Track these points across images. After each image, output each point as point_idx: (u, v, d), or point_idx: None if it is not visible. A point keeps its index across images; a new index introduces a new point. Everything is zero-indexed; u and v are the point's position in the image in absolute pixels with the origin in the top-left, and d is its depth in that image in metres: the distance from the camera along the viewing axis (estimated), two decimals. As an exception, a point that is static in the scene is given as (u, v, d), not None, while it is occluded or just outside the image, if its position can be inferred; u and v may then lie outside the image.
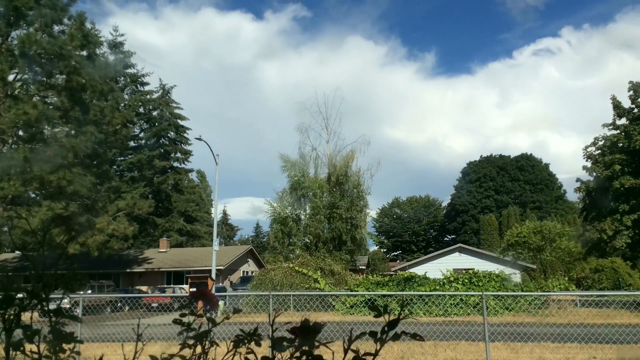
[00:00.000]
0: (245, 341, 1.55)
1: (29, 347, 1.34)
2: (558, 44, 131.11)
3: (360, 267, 42.01)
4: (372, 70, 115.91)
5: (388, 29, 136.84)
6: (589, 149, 32.41)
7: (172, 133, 59.00)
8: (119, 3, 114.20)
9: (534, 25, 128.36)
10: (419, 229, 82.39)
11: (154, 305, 26.85)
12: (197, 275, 30.31)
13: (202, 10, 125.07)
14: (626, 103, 31.15)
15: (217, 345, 1.62)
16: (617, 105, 31.25)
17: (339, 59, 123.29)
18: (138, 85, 57.11)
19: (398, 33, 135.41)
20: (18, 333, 1.32)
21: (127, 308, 25.99)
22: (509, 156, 79.16)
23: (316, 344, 1.35)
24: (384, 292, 21.23)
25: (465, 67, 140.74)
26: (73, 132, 29.50)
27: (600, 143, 31.99)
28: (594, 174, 31.99)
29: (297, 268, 28.64)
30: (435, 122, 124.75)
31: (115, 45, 43.94)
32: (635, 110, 30.69)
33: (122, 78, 53.10)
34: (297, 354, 1.34)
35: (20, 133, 28.09)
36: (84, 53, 30.97)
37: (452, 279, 24.80)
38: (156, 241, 50.35)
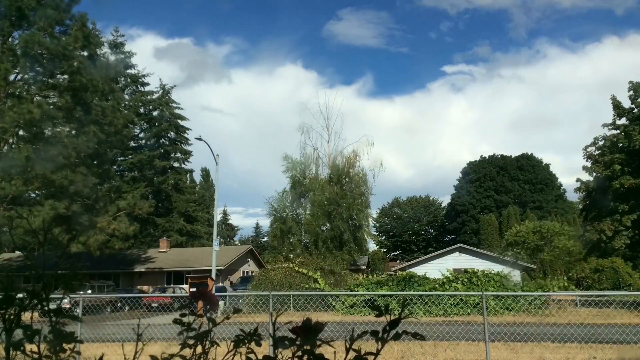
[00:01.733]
0: (246, 341, 1.55)
1: (29, 347, 1.33)
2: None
3: (361, 267, 42.04)
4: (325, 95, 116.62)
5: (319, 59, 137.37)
6: (589, 149, 32.42)
7: (172, 133, 59.05)
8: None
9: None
10: (419, 228, 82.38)
11: (154, 305, 26.86)
12: (197, 275, 30.31)
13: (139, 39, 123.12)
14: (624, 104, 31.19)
15: (218, 345, 1.62)
16: (617, 105, 31.25)
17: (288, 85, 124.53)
18: (138, 86, 57.15)
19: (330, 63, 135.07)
20: (18, 333, 1.32)
21: (127, 308, 25.99)
22: (510, 156, 79.19)
23: (318, 343, 1.35)
24: (384, 292, 21.23)
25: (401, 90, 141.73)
26: (74, 132, 29.53)
27: (600, 143, 32.00)
28: (594, 174, 32.00)
29: (297, 268, 28.64)
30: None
31: (116, 46, 43.96)
32: (635, 110, 30.70)
33: (123, 78, 53.14)
34: (299, 353, 1.34)
35: (21, 133, 28.11)
36: (85, 53, 31.03)
37: (452, 278, 24.80)
38: (156, 241, 50.36)
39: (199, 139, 29.03)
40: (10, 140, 28.23)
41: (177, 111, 59.08)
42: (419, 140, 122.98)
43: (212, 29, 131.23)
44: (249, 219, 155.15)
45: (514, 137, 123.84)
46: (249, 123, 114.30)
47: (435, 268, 31.33)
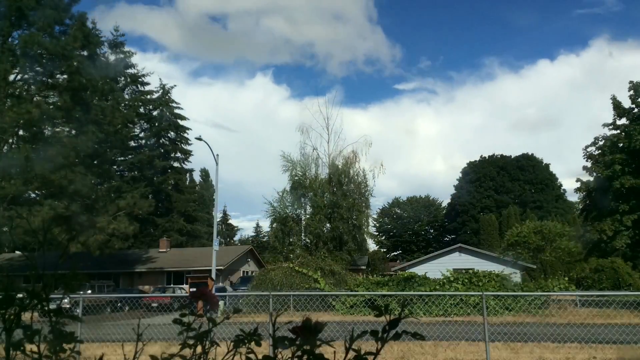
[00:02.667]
0: (246, 341, 1.55)
1: (29, 347, 1.33)
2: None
3: (361, 267, 42.02)
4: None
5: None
6: (589, 149, 32.43)
7: (172, 133, 59.04)
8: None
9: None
10: (419, 228, 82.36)
11: (154, 305, 26.86)
12: (197, 275, 30.31)
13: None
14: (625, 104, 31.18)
15: (218, 345, 1.62)
16: (617, 105, 31.25)
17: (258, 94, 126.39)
18: (138, 85, 57.11)
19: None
20: (18, 333, 1.32)
21: (127, 308, 25.98)
22: (510, 156, 79.23)
23: (317, 343, 1.35)
24: (384, 292, 21.22)
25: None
26: (74, 132, 29.54)
27: (601, 143, 31.99)
28: (594, 174, 32.00)
29: (297, 268, 28.64)
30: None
31: (116, 45, 43.98)
32: (635, 110, 30.69)
33: (123, 78, 53.11)
34: (299, 353, 1.34)
35: (21, 132, 28.12)
36: (85, 53, 31.04)
37: (452, 279, 24.80)
38: (156, 241, 50.36)
39: (199, 138, 29.02)
40: (10, 140, 28.23)
41: (177, 111, 59.12)
42: (393, 149, 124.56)
43: (183, 46, 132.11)
44: (247, 222, 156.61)
45: (476, 146, 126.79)
46: (231, 134, 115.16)
47: (436, 268, 31.32)
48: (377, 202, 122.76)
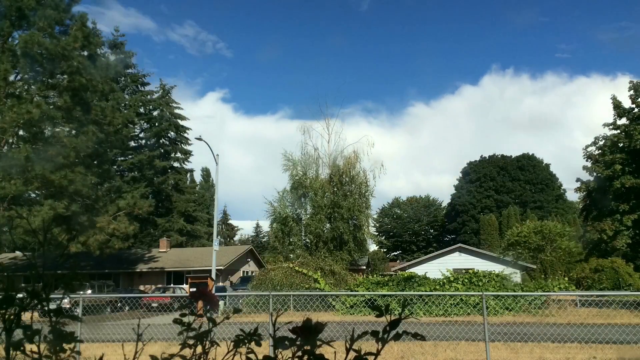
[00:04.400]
0: (246, 341, 1.55)
1: (29, 347, 1.33)
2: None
3: (361, 267, 41.98)
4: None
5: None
6: (589, 149, 32.43)
7: (172, 133, 59.05)
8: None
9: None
10: (419, 229, 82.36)
11: (154, 305, 26.88)
12: (197, 275, 30.32)
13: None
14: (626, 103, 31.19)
15: (218, 345, 1.62)
16: (617, 105, 31.25)
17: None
18: (138, 86, 57.16)
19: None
20: (18, 333, 1.32)
21: (127, 308, 26.00)
22: (510, 156, 79.21)
23: (318, 343, 1.35)
24: (384, 292, 21.24)
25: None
26: (74, 132, 29.55)
27: (601, 143, 31.99)
28: (595, 173, 32.01)
29: (297, 268, 28.63)
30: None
31: (116, 46, 44.00)
32: (636, 110, 30.69)
33: (123, 78, 53.15)
34: (299, 353, 1.34)
35: (21, 133, 28.12)
36: (85, 53, 31.04)
37: (452, 279, 24.80)
38: (156, 241, 50.37)
39: (199, 139, 29.05)
40: (10, 140, 28.23)
41: (177, 111, 59.13)
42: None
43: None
44: (247, 222, 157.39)
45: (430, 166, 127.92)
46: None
47: (436, 268, 31.32)
48: (377, 203, 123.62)
